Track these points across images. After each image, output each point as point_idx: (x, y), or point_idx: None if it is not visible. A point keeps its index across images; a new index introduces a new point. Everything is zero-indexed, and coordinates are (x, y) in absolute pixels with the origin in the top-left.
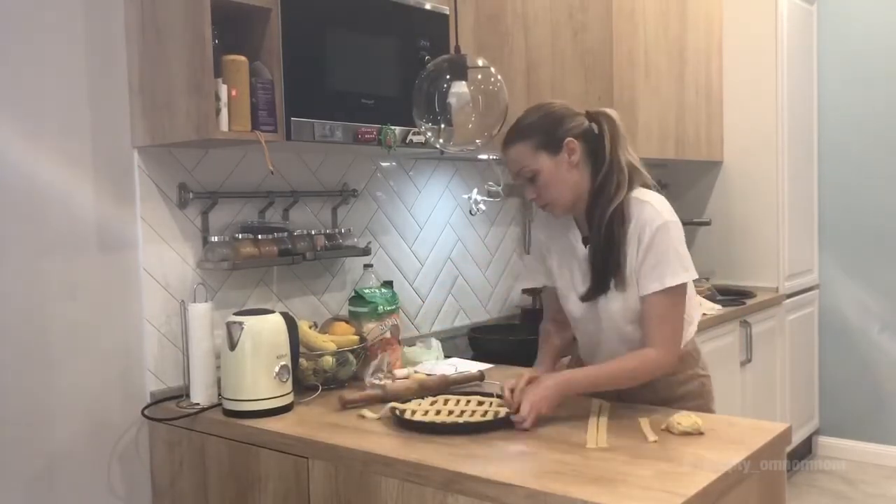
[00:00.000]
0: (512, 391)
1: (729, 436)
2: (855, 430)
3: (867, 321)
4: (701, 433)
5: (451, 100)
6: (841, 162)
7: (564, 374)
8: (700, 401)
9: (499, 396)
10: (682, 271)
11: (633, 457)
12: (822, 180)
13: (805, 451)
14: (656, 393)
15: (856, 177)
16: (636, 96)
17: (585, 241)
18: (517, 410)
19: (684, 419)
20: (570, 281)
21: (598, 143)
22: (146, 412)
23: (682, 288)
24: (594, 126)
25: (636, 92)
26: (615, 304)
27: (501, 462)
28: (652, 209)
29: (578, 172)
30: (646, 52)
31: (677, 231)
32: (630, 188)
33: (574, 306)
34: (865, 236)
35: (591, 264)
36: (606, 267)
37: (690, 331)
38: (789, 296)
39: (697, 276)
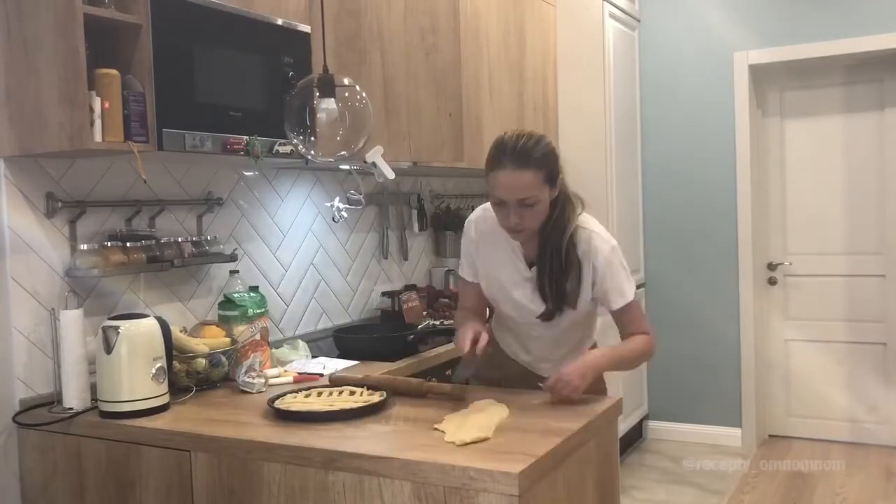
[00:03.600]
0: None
1: (572, 409)
2: (679, 413)
3: (688, 315)
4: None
5: (321, 115)
6: (661, 171)
7: (595, 359)
8: (602, 382)
9: (369, 387)
10: (631, 280)
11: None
12: (646, 188)
13: (636, 434)
14: None
15: (674, 184)
16: (482, 112)
17: (530, 264)
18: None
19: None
20: (512, 294)
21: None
22: (17, 419)
23: (635, 294)
24: None
25: (482, 108)
26: (566, 319)
27: (376, 441)
28: (598, 237)
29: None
30: (490, 73)
31: (619, 251)
32: (575, 217)
33: (518, 314)
34: (683, 237)
35: (547, 288)
36: (563, 290)
37: (599, 322)
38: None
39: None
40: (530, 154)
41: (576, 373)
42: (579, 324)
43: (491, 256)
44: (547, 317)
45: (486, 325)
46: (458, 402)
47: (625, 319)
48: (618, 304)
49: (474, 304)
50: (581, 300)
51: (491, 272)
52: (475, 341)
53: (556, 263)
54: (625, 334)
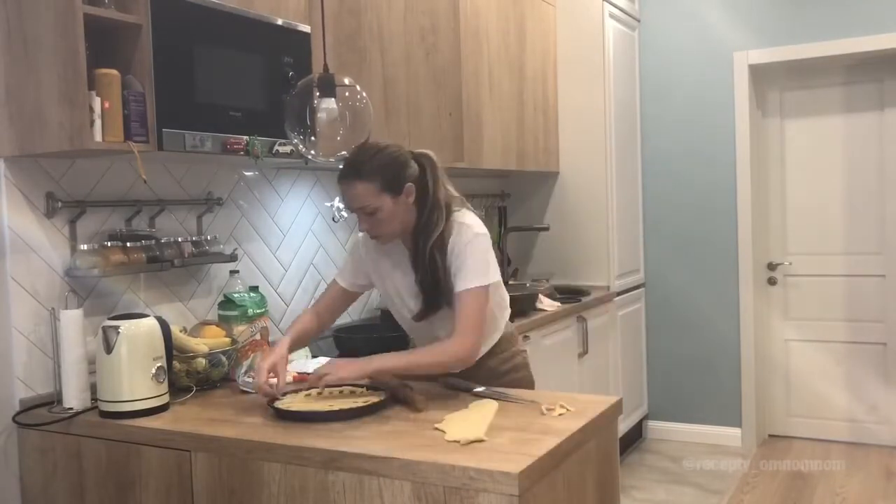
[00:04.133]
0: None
1: (572, 409)
2: (679, 413)
3: (688, 315)
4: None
5: (321, 114)
6: (661, 171)
7: (380, 359)
8: (524, 371)
9: (368, 388)
10: (483, 276)
11: (491, 428)
12: (646, 188)
13: (636, 434)
14: (491, 370)
15: (674, 184)
16: (482, 112)
17: (413, 265)
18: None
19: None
20: (406, 302)
21: (423, 183)
22: (17, 419)
23: (483, 290)
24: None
25: (482, 108)
26: (447, 318)
27: (376, 440)
28: (466, 227)
29: (409, 210)
30: (489, 73)
31: (485, 242)
32: (448, 221)
33: (405, 316)
34: (683, 237)
35: (421, 289)
36: (436, 291)
37: (501, 323)
38: (619, 293)
39: (498, 280)
40: (362, 166)
41: (341, 363)
42: None
43: (385, 267)
44: (419, 317)
45: (299, 335)
46: (417, 412)
47: (457, 309)
48: (458, 286)
49: (327, 304)
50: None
51: (389, 280)
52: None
53: (423, 265)
54: (455, 327)
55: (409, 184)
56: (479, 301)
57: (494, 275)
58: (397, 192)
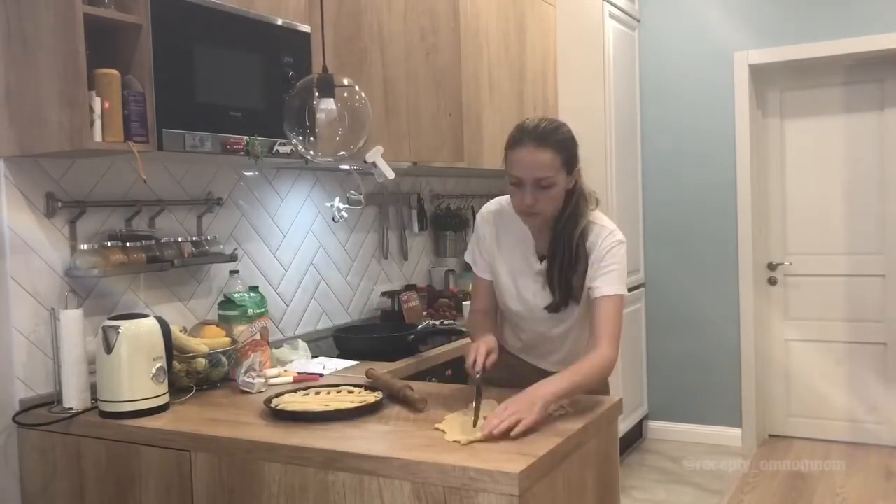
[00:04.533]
0: (475, 360)
1: (573, 409)
2: (679, 413)
3: (688, 315)
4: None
5: (321, 115)
6: (661, 171)
7: (546, 387)
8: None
9: (366, 387)
10: (624, 284)
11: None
12: (646, 188)
13: (636, 434)
14: None
15: (674, 184)
16: (482, 112)
17: (541, 258)
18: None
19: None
20: (520, 288)
21: None
22: (17, 419)
23: (623, 298)
24: None
25: (482, 108)
26: (572, 314)
27: (375, 440)
28: (607, 231)
29: (562, 195)
30: (489, 73)
31: (624, 248)
32: (588, 212)
33: (524, 309)
34: (683, 237)
35: (556, 279)
36: (571, 282)
37: None
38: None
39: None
40: (550, 135)
41: (524, 403)
42: (585, 320)
43: (503, 249)
44: (553, 308)
45: (495, 338)
46: (417, 412)
47: (600, 314)
48: (600, 291)
49: (486, 304)
50: (585, 294)
51: (503, 264)
52: (484, 358)
53: (567, 256)
54: (593, 334)
55: (580, 166)
56: (620, 309)
57: (626, 285)
58: (570, 171)
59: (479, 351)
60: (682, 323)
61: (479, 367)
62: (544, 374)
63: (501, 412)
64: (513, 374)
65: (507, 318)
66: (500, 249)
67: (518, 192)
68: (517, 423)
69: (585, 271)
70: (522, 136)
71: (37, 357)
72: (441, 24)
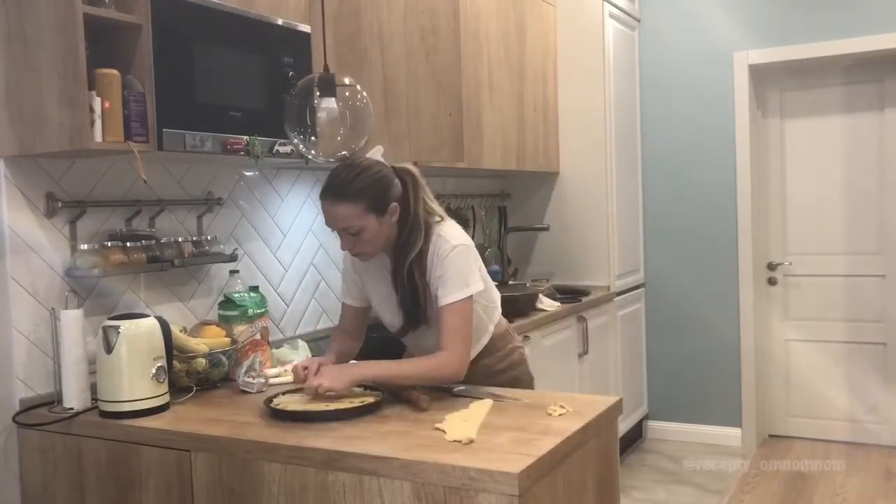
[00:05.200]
0: (306, 368)
1: (572, 409)
2: (679, 413)
3: (688, 315)
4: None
5: (322, 114)
6: (661, 171)
7: (364, 368)
8: (522, 367)
9: (366, 387)
10: (463, 288)
11: (491, 429)
12: (646, 188)
13: (636, 434)
14: (487, 368)
15: (674, 184)
16: (482, 112)
17: (393, 283)
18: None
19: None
20: (382, 312)
21: (405, 201)
22: (17, 419)
23: (466, 302)
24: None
25: (482, 108)
26: (430, 333)
27: (375, 441)
28: (443, 241)
29: (392, 227)
30: (489, 73)
31: (463, 253)
32: (427, 237)
33: (392, 329)
34: (683, 237)
35: (401, 306)
36: (416, 308)
37: (491, 325)
38: (619, 293)
39: (481, 289)
40: (347, 187)
41: (334, 373)
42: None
43: (369, 278)
44: (400, 333)
45: (337, 354)
46: (421, 411)
47: (441, 323)
48: (440, 301)
49: (349, 325)
50: (432, 313)
51: (373, 294)
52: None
53: (401, 283)
54: (438, 340)
55: (394, 203)
56: (461, 314)
57: (475, 284)
58: (382, 213)
59: (310, 367)
60: (682, 323)
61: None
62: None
63: (316, 376)
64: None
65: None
66: (366, 279)
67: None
68: (319, 386)
69: (426, 292)
70: (324, 188)
71: (37, 357)
72: (441, 24)
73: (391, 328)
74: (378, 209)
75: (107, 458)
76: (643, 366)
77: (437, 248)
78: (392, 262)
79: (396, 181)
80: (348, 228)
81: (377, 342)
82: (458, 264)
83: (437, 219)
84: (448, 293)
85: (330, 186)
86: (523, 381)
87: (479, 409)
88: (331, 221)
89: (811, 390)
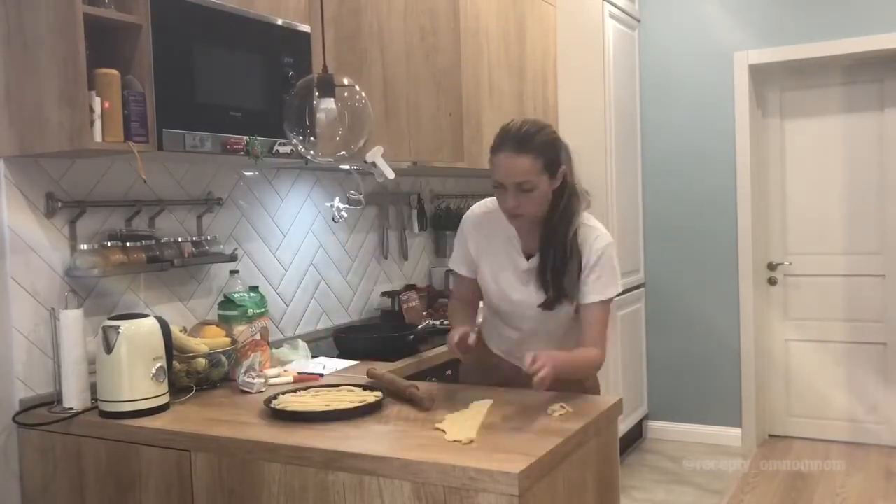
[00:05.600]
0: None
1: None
2: (679, 413)
3: (688, 315)
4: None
5: (321, 115)
6: (661, 171)
7: (552, 352)
8: (594, 379)
9: (366, 387)
10: (616, 287)
11: (491, 429)
12: (646, 188)
13: (636, 434)
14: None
15: (674, 184)
16: (482, 112)
17: (528, 256)
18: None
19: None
20: (506, 288)
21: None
22: (17, 419)
23: (612, 301)
24: None
25: (482, 108)
26: (561, 314)
27: (375, 440)
28: (596, 232)
29: (550, 195)
30: (489, 73)
31: (614, 249)
32: (581, 210)
33: (512, 308)
34: (683, 237)
35: (549, 277)
36: (563, 281)
37: None
38: (619, 293)
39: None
40: (530, 140)
41: (548, 358)
42: (572, 319)
43: (487, 250)
44: (547, 305)
45: (475, 324)
46: (424, 411)
47: (590, 319)
48: (591, 298)
49: (466, 294)
50: (576, 294)
51: (487, 265)
52: (464, 339)
53: (560, 254)
54: (582, 338)
55: (564, 167)
56: (608, 313)
57: (619, 285)
58: (553, 173)
59: (455, 334)
60: (682, 323)
61: (461, 344)
62: (527, 377)
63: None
64: (496, 374)
65: (493, 318)
66: (486, 251)
67: (502, 194)
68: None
69: (578, 271)
70: (503, 140)
71: (37, 357)
72: (441, 25)
73: (522, 306)
74: (551, 170)
75: (107, 458)
76: (643, 366)
77: (594, 237)
78: (542, 230)
79: (566, 146)
80: (523, 184)
81: (377, 342)
82: (614, 262)
83: (585, 204)
84: (605, 289)
85: (510, 138)
86: (594, 390)
87: (478, 409)
88: (505, 174)
89: (811, 390)
